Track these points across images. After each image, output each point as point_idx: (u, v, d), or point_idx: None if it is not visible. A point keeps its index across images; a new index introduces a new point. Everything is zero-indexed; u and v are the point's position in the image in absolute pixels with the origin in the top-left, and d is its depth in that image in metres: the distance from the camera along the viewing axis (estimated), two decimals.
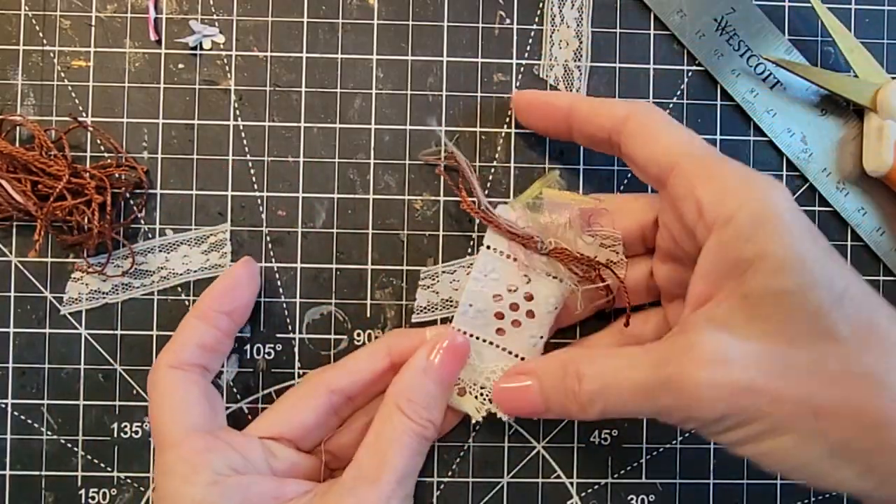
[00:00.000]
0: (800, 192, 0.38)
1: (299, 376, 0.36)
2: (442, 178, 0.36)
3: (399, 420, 0.31)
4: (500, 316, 0.34)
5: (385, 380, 0.33)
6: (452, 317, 0.34)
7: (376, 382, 0.34)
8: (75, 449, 0.36)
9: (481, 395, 0.34)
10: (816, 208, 0.38)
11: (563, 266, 0.33)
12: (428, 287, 0.36)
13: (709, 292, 0.27)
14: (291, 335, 0.37)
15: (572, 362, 0.29)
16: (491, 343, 0.34)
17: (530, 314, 0.34)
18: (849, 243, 0.38)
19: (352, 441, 0.33)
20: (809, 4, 0.37)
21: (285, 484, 0.31)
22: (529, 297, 0.34)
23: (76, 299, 0.36)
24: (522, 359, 0.34)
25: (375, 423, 0.32)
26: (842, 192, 0.37)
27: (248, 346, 0.36)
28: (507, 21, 0.37)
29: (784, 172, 0.38)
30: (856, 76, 0.36)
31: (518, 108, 0.35)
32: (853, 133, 0.37)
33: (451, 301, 0.36)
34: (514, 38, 0.37)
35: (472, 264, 0.35)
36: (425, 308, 0.36)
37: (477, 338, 0.34)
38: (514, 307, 0.34)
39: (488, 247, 0.34)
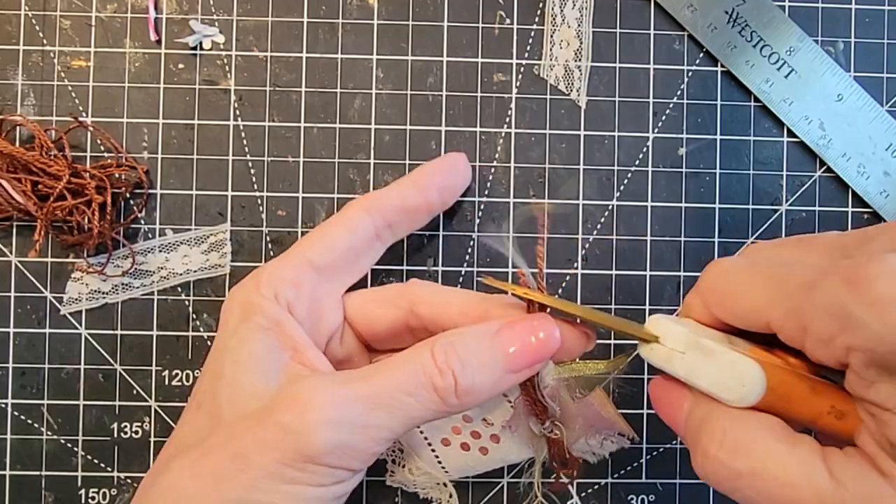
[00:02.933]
0: (812, 179, 0.38)
1: None
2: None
3: (423, 354, 0.26)
4: (455, 430, 0.32)
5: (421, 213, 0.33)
6: None
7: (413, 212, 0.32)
8: (75, 449, 0.36)
9: (393, 453, 0.33)
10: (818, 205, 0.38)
11: (546, 453, 0.30)
12: None
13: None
14: None
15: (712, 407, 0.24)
16: (430, 445, 0.32)
17: (483, 451, 0.32)
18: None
19: None
20: (810, 4, 0.37)
21: (309, 352, 0.28)
22: (495, 438, 0.31)
23: (76, 299, 0.36)
24: (448, 474, 0.33)
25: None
26: (863, 176, 0.38)
27: None
28: (507, 21, 0.37)
29: (785, 172, 0.38)
30: None
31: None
32: None
33: None
34: (514, 38, 0.37)
35: None
36: None
37: (422, 433, 0.32)
38: (475, 434, 0.32)
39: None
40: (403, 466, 0.33)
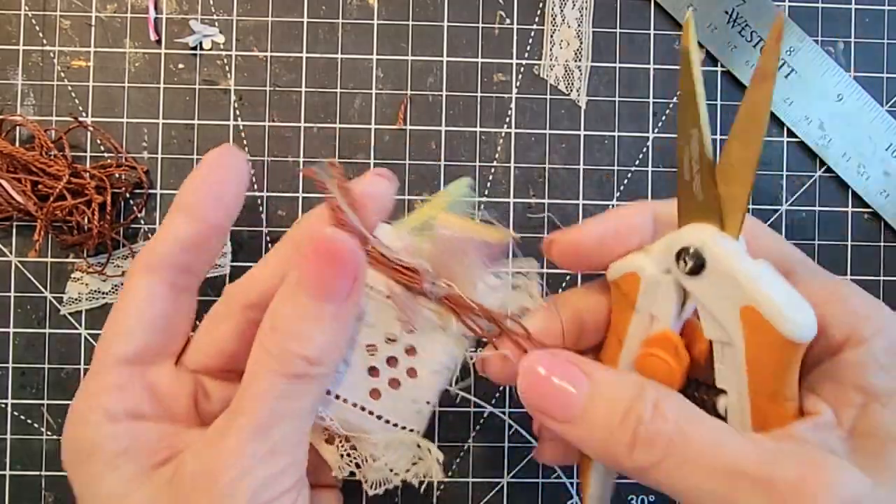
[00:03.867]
0: (812, 180, 0.38)
1: None
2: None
3: (257, 354, 0.24)
4: (374, 373, 0.27)
5: None
6: None
7: None
8: None
9: (348, 455, 0.28)
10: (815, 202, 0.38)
11: (455, 318, 0.26)
12: None
13: (818, 410, 0.23)
14: None
15: (652, 388, 0.23)
16: (363, 409, 0.27)
17: (412, 372, 0.27)
18: (881, 233, 0.38)
19: None
20: (810, 4, 0.37)
21: (186, 432, 0.26)
22: (411, 351, 0.27)
23: (76, 299, 0.36)
24: (407, 430, 0.27)
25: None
26: (863, 176, 0.38)
27: None
28: (507, 21, 0.37)
29: (785, 172, 0.38)
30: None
31: None
32: None
33: None
34: (514, 38, 0.37)
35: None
36: None
37: (345, 401, 0.27)
38: (393, 362, 0.27)
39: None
40: (366, 461, 0.28)
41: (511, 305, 0.26)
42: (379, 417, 0.27)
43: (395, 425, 0.27)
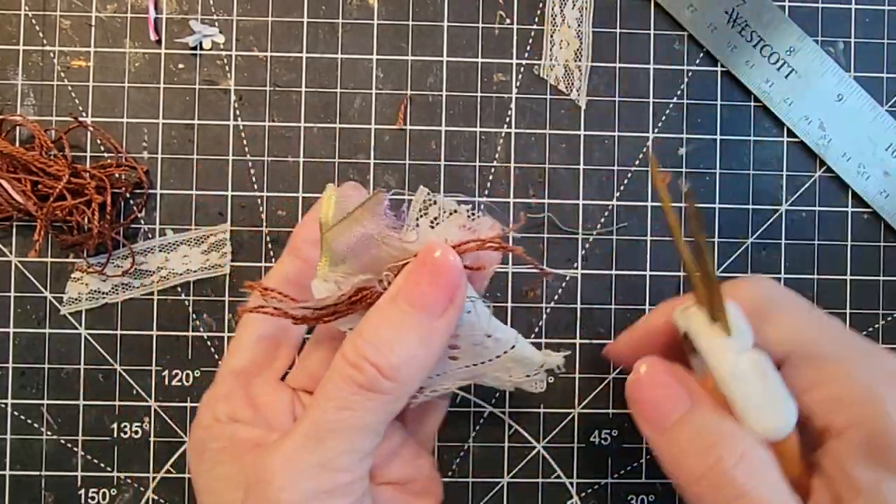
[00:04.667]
0: (812, 180, 0.38)
1: None
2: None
3: (336, 358, 0.24)
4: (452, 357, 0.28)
5: None
6: None
7: None
8: (75, 449, 0.36)
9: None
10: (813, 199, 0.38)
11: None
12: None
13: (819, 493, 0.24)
14: None
15: (746, 439, 0.24)
16: (464, 368, 0.28)
17: (454, 336, 0.27)
18: (881, 233, 0.38)
19: None
20: (810, 4, 0.37)
21: (272, 432, 0.27)
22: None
23: (76, 299, 0.36)
24: (502, 355, 0.28)
25: None
26: (863, 176, 0.38)
27: None
28: (507, 21, 0.37)
29: (785, 172, 0.38)
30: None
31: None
32: None
33: None
34: (514, 38, 0.37)
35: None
36: None
37: (445, 373, 0.28)
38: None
39: (350, 329, 0.26)
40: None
41: (451, 236, 0.25)
42: (471, 366, 0.27)
43: (492, 360, 0.27)
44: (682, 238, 0.25)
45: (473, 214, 0.25)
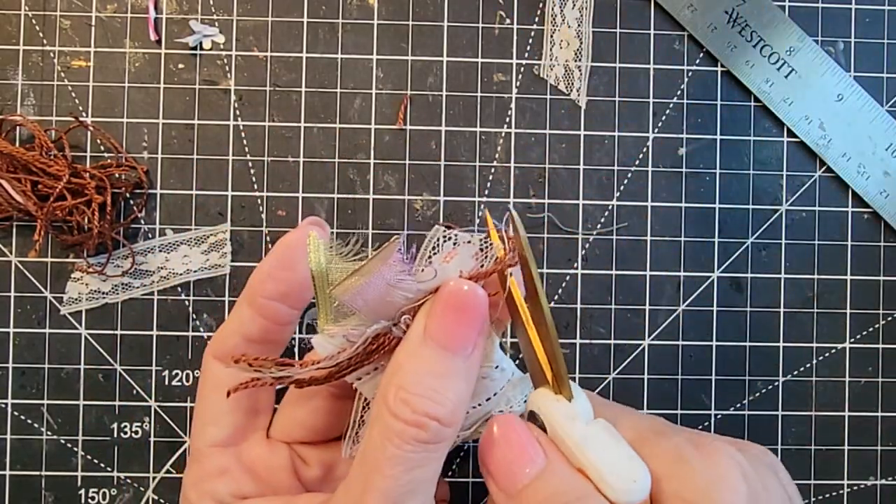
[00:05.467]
0: (812, 180, 0.38)
1: None
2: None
3: (386, 421, 0.22)
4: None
5: None
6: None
7: None
8: (75, 449, 0.36)
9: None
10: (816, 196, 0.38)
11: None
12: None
13: None
14: None
15: (599, 500, 0.23)
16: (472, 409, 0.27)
17: None
18: (881, 233, 0.38)
19: None
20: (810, 4, 0.37)
21: (295, 501, 0.27)
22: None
23: (76, 299, 0.36)
24: (506, 385, 0.27)
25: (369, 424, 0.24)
26: (863, 176, 0.38)
27: None
28: (507, 21, 0.37)
29: (785, 172, 0.38)
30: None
31: None
32: None
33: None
34: (514, 38, 0.37)
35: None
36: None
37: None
38: None
39: (358, 379, 0.25)
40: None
41: (465, 267, 0.25)
42: (476, 406, 0.26)
43: (496, 394, 0.26)
44: (529, 318, 0.24)
45: (485, 242, 0.25)
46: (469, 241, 0.25)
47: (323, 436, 0.29)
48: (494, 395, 0.26)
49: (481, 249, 0.25)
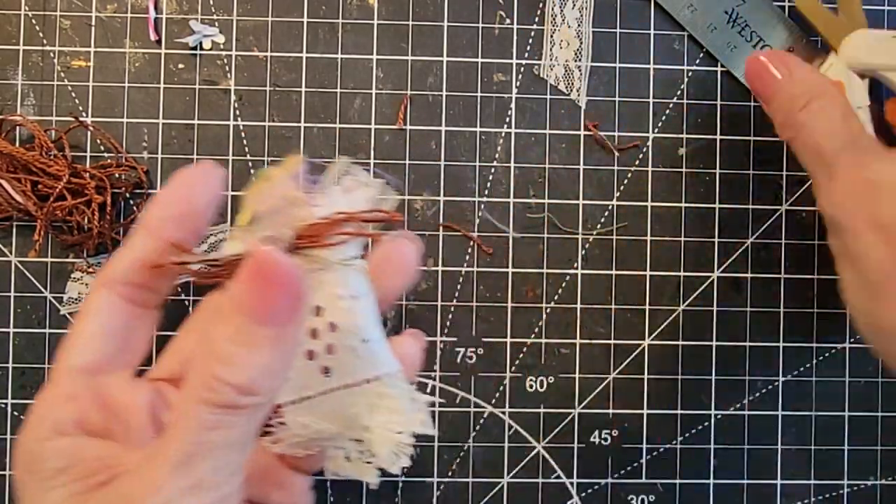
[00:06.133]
0: (809, 183, 0.38)
1: None
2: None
3: (188, 379, 0.23)
4: (310, 355, 0.25)
5: None
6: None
7: None
8: None
9: (361, 455, 0.26)
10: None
11: (320, 248, 0.24)
12: None
13: None
14: None
15: (829, 94, 0.32)
16: (329, 391, 0.25)
17: (332, 327, 0.24)
18: None
19: None
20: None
21: (130, 454, 0.25)
22: (319, 311, 0.24)
23: (76, 299, 0.36)
24: (370, 380, 0.25)
25: None
26: None
27: None
28: (507, 21, 0.37)
29: (785, 172, 0.38)
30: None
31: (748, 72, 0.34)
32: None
33: None
34: (514, 38, 0.37)
35: None
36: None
37: (309, 397, 0.25)
38: (315, 333, 0.24)
39: None
40: (363, 451, 0.26)
41: (358, 206, 0.24)
42: (345, 387, 0.25)
43: (358, 384, 0.24)
44: None
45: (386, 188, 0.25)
46: (367, 185, 0.25)
47: None
48: (359, 384, 0.25)
49: (378, 193, 0.25)
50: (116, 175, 0.36)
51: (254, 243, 0.23)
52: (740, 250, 0.38)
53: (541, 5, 0.37)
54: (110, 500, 0.23)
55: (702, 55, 0.38)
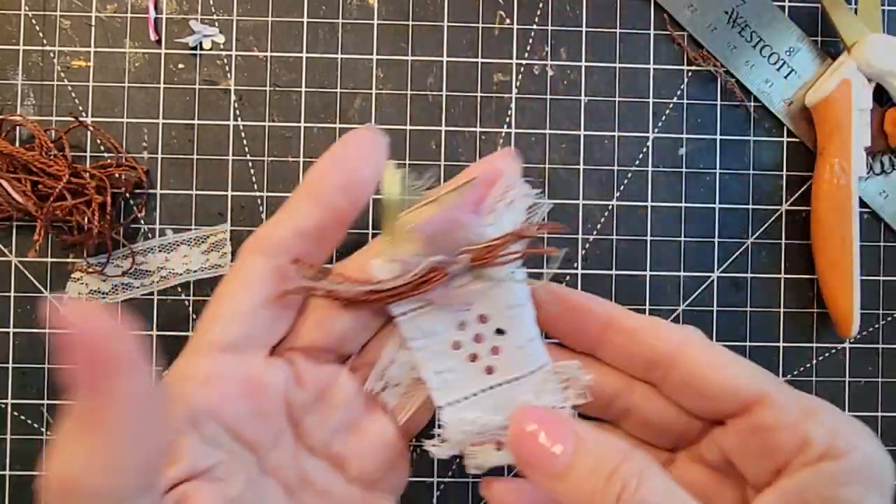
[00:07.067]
0: (809, 183, 0.38)
1: None
2: None
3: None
4: (473, 358, 0.26)
5: None
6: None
7: None
8: None
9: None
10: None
11: (493, 266, 0.25)
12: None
13: None
14: None
15: (635, 460, 0.23)
16: (490, 388, 0.26)
17: (500, 332, 0.26)
18: (881, 233, 0.38)
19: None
20: (810, 4, 0.37)
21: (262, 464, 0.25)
22: (484, 318, 0.26)
23: (76, 299, 0.36)
24: (534, 371, 0.26)
25: None
26: (862, 178, 0.38)
27: None
28: (507, 21, 0.37)
29: (785, 172, 0.38)
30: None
31: (543, 302, 0.27)
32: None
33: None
34: (514, 38, 0.37)
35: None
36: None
37: (473, 395, 0.26)
38: (479, 338, 0.26)
39: (402, 313, 0.25)
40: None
41: (517, 220, 0.25)
42: (505, 383, 0.26)
43: (525, 375, 0.26)
44: None
45: (538, 199, 0.26)
46: (525, 195, 0.26)
47: (337, 347, 0.26)
48: (530, 374, 0.26)
49: (534, 205, 0.26)
50: (116, 175, 0.36)
51: (427, 265, 0.24)
52: (740, 250, 0.38)
53: (541, 5, 0.37)
54: None
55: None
